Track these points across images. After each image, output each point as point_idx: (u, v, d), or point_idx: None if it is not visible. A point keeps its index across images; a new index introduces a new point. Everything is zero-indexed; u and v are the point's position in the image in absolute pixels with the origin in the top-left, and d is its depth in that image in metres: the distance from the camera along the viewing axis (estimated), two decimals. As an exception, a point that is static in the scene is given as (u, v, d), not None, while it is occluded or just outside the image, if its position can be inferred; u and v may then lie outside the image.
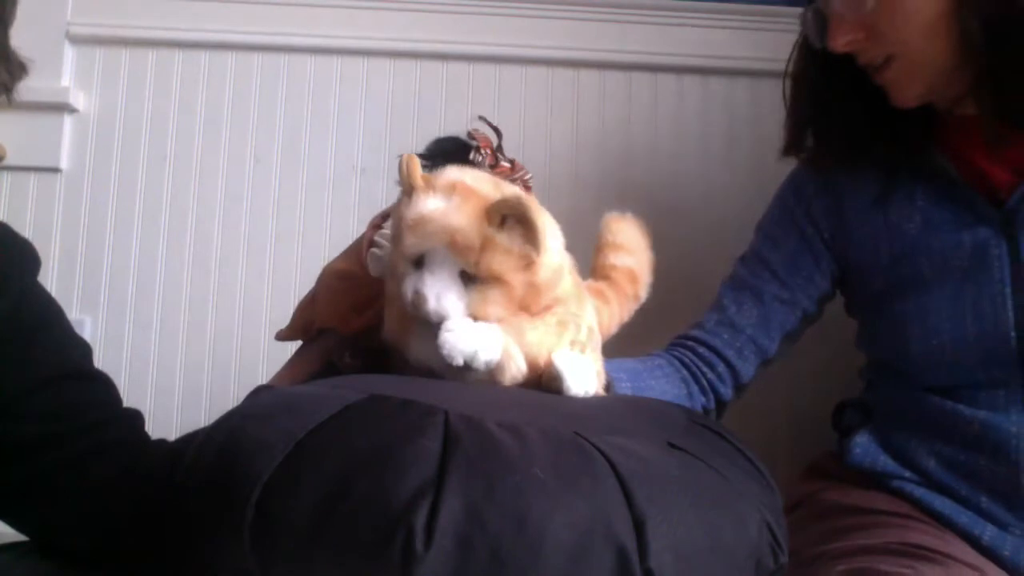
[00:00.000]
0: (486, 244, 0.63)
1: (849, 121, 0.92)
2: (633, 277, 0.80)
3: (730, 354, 0.96)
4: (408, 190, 0.66)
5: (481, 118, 0.85)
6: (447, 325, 0.63)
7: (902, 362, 0.91)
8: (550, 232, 0.66)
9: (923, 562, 0.75)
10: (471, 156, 0.80)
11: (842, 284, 1.00)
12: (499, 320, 0.65)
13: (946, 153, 0.88)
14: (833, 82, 0.91)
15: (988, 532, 0.83)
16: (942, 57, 0.82)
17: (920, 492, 0.87)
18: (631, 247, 0.81)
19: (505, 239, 0.63)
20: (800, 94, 0.96)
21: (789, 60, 0.97)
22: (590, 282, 0.80)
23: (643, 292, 0.81)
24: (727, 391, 0.96)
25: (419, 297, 0.63)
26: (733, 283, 1.01)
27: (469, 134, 0.84)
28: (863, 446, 0.93)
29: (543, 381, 0.67)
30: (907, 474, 0.89)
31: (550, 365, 0.66)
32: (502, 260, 0.63)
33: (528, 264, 0.64)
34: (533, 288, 0.65)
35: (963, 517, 0.84)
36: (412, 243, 0.64)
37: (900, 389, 0.92)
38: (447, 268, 0.64)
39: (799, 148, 0.97)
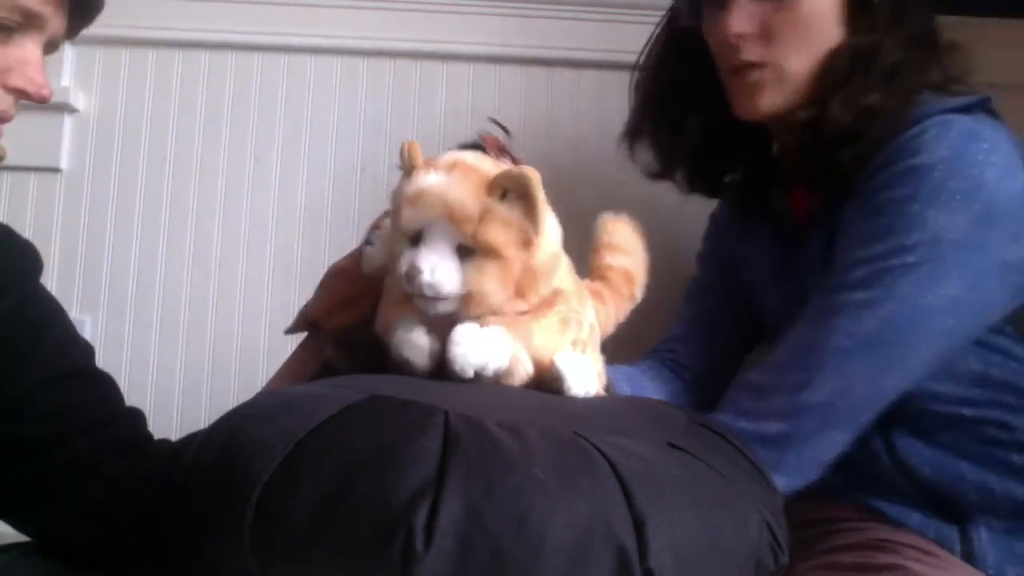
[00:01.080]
0: (485, 215, 0.62)
1: (687, 128, 0.95)
2: (629, 277, 0.80)
3: (702, 354, 1.02)
4: (408, 170, 0.66)
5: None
6: (455, 338, 0.62)
7: None
8: (550, 217, 0.66)
9: (879, 552, 0.79)
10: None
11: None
12: (500, 313, 0.64)
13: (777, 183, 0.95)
14: (686, 82, 0.94)
15: (914, 519, 0.85)
16: (811, 80, 0.84)
17: (839, 492, 0.90)
18: (627, 247, 0.81)
19: (505, 210, 0.63)
20: (651, 89, 0.98)
21: (642, 52, 1.00)
22: (586, 282, 0.80)
23: (639, 292, 0.82)
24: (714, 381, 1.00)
25: (414, 270, 0.63)
26: (686, 299, 1.09)
27: (479, 136, 0.85)
28: None
29: (544, 381, 0.67)
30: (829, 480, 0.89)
31: (552, 365, 0.66)
32: (500, 232, 0.62)
33: (526, 242, 0.64)
34: (529, 272, 0.65)
35: (883, 505, 0.87)
36: (410, 216, 0.64)
37: None
38: (444, 242, 0.63)
39: (634, 137, 1.00)
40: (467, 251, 0.63)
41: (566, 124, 1.32)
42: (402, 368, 0.67)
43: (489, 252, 0.63)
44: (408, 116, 1.31)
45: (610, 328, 0.80)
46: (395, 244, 0.66)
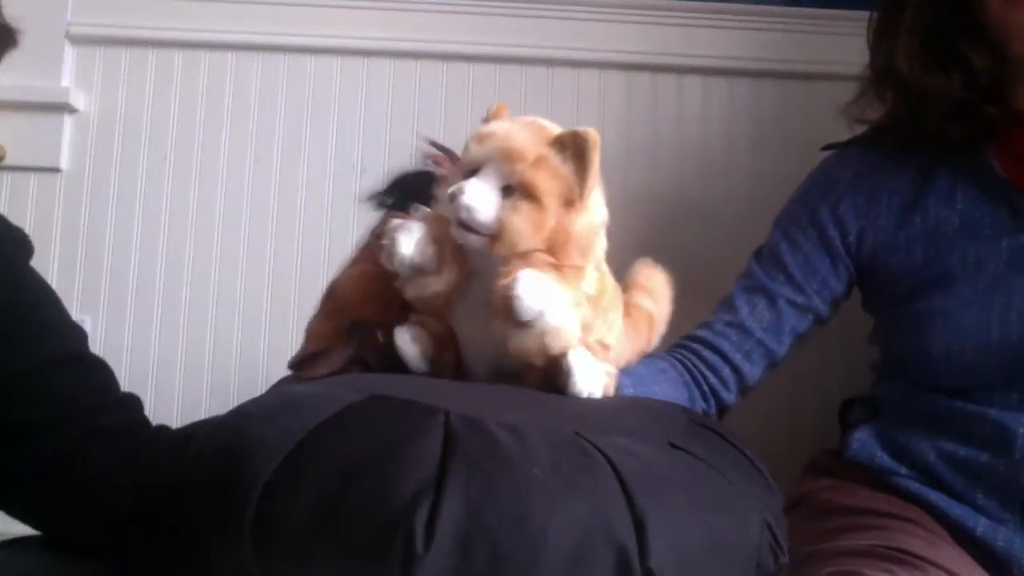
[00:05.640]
0: (538, 161, 0.66)
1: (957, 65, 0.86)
2: (651, 322, 0.80)
3: (737, 358, 0.94)
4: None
5: (429, 142, 0.87)
6: (518, 282, 0.63)
7: (919, 362, 0.90)
8: (597, 192, 0.70)
9: (903, 566, 0.75)
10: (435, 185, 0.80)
11: (861, 284, 0.98)
12: (526, 259, 0.66)
13: (995, 153, 0.87)
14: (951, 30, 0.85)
15: (981, 524, 0.83)
16: None
17: (916, 487, 0.88)
18: (657, 294, 0.80)
19: (558, 163, 0.67)
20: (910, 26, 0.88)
21: None
22: None
23: (655, 339, 0.81)
24: (730, 396, 0.94)
25: (459, 191, 0.66)
26: (746, 282, 0.98)
27: (432, 160, 0.85)
28: (861, 442, 0.93)
29: (551, 373, 0.67)
30: (903, 471, 0.89)
31: (563, 360, 0.66)
32: (547, 179, 0.66)
33: (569, 201, 0.67)
34: (564, 233, 0.66)
35: (957, 510, 0.85)
36: (473, 151, 0.68)
37: (911, 386, 0.92)
38: (494, 178, 0.67)
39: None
40: (511, 191, 0.66)
41: (567, 124, 1.31)
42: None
43: (529, 194, 0.65)
44: (408, 116, 1.31)
45: (621, 363, 0.79)
46: (453, 178, 0.70)
